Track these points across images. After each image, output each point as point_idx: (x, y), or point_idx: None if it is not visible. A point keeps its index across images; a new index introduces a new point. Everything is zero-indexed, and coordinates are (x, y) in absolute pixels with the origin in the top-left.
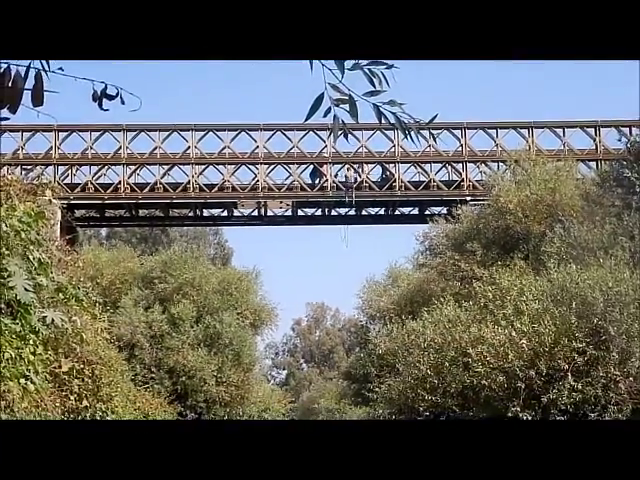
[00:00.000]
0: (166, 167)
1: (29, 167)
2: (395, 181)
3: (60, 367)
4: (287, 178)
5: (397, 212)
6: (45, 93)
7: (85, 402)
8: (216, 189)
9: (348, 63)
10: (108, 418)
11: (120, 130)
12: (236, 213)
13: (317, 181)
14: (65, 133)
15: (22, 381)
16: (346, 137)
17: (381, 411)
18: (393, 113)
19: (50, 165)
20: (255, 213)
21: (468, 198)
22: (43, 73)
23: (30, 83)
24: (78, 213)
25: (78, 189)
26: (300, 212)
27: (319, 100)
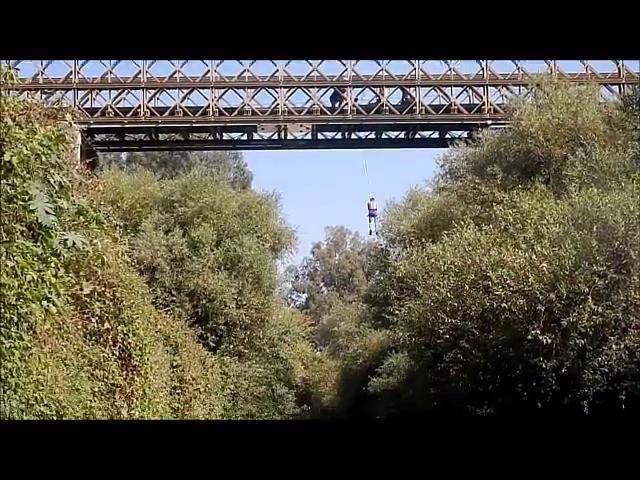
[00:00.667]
0: (186, 91)
1: (49, 91)
2: (415, 104)
3: (81, 290)
4: (307, 101)
5: (417, 136)
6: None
7: (107, 324)
8: (236, 113)
9: None
10: (130, 341)
11: None
12: (256, 137)
13: (337, 104)
14: None
15: (44, 303)
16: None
17: (401, 334)
18: None
19: (70, 90)
20: (275, 137)
21: (489, 122)
22: None
23: None
24: (98, 137)
25: (98, 113)
26: (320, 135)
27: None
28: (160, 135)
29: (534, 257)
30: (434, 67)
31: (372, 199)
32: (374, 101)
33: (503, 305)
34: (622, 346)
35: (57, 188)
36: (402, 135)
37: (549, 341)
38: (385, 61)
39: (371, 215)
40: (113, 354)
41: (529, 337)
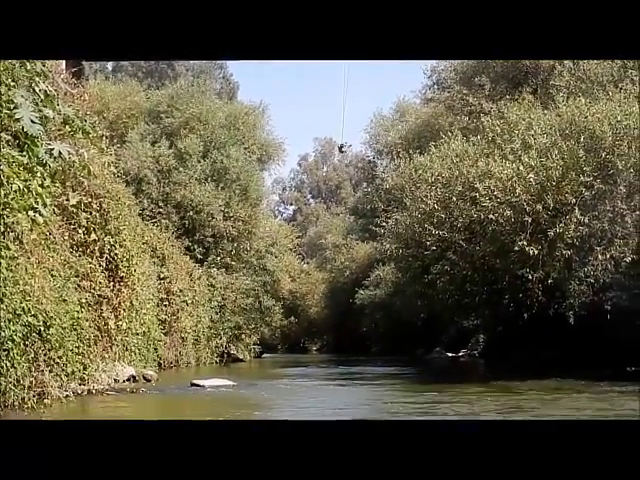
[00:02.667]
0: None
1: None
2: None
3: (68, 200)
4: None
5: None
6: None
7: (93, 235)
8: None
9: None
10: (116, 252)
11: None
12: None
13: None
14: None
15: (30, 213)
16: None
17: (388, 246)
18: None
19: None
20: None
21: None
22: None
23: None
24: None
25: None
26: None
27: None
28: None
29: (521, 168)
30: None
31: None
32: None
33: (490, 216)
34: (608, 256)
35: (42, 97)
36: None
37: (536, 252)
38: None
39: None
40: (100, 265)
41: (516, 248)
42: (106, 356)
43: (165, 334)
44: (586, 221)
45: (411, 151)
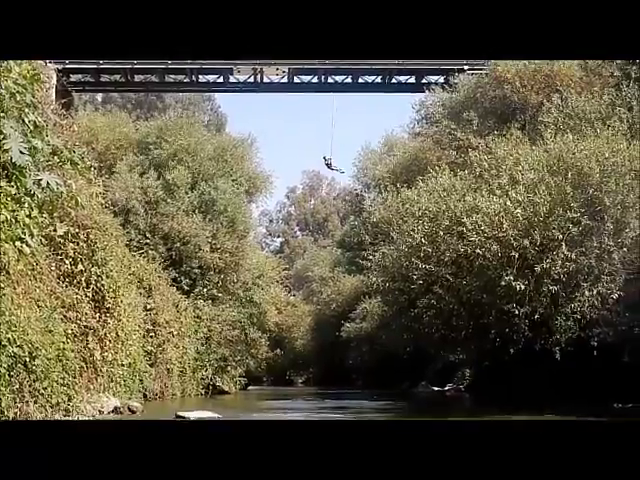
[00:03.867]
0: None
1: None
2: None
3: (55, 231)
4: None
5: (394, 80)
6: None
7: (80, 266)
8: None
9: None
10: (103, 283)
11: None
12: (232, 79)
13: None
14: None
15: (17, 244)
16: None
17: (375, 279)
18: None
19: None
20: (251, 79)
21: (466, 67)
22: None
23: None
24: (73, 77)
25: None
26: (296, 79)
27: None
28: (136, 76)
29: (509, 203)
30: None
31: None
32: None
33: (477, 251)
34: (594, 292)
35: (32, 128)
36: (378, 80)
37: (522, 287)
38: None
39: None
40: (86, 296)
41: (502, 283)
42: (91, 387)
43: (151, 365)
44: (573, 257)
45: (399, 185)
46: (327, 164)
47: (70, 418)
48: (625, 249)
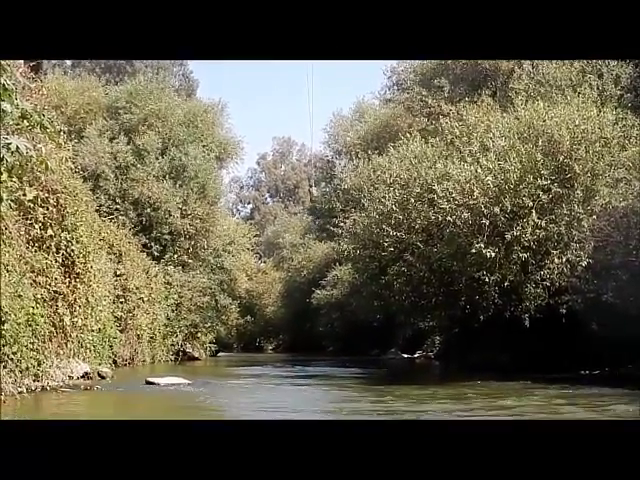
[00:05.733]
0: None
1: None
2: None
3: (25, 195)
4: None
5: None
6: None
7: (50, 231)
8: None
9: None
10: (73, 248)
11: None
12: None
13: None
14: None
15: None
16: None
17: (345, 246)
18: None
19: None
20: None
21: None
22: None
23: None
24: None
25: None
26: None
27: None
28: None
29: (479, 171)
30: None
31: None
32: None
33: (448, 218)
34: (564, 260)
35: (0, 91)
36: None
37: (492, 255)
38: None
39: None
40: (56, 261)
41: (473, 250)
42: (61, 352)
43: (121, 331)
44: (543, 224)
45: (370, 152)
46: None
47: (40, 383)
48: (594, 217)
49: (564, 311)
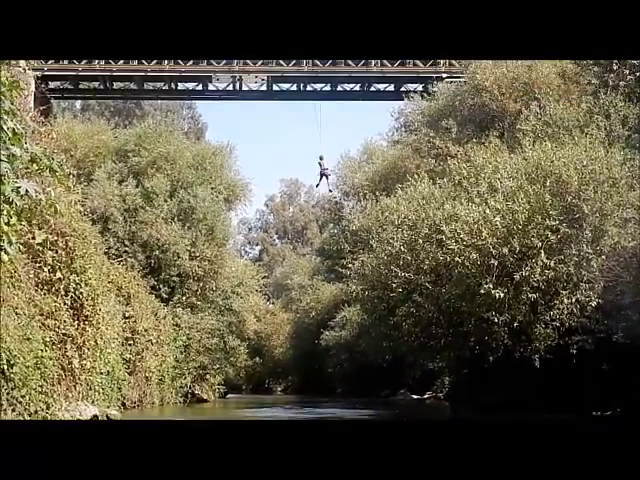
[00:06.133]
0: None
1: None
2: None
3: (34, 238)
4: None
5: (372, 88)
6: None
7: (59, 274)
8: (191, 62)
9: None
10: (82, 290)
11: None
12: (211, 87)
13: None
14: None
15: None
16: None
17: (354, 287)
18: None
19: None
20: (230, 87)
21: (444, 75)
22: None
23: None
24: (52, 84)
25: (52, 60)
26: (275, 87)
27: None
28: (115, 83)
29: (487, 211)
30: None
31: (321, 157)
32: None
33: (456, 259)
34: (574, 300)
35: (10, 135)
36: (357, 88)
37: (502, 295)
38: None
39: (322, 174)
40: (65, 304)
41: (482, 291)
42: (69, 395)
43: (129, 373)
44: (552, 265)
45: (378, 193)
46: (321, 171)
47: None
48: (603, 256)
49: (574, 351)
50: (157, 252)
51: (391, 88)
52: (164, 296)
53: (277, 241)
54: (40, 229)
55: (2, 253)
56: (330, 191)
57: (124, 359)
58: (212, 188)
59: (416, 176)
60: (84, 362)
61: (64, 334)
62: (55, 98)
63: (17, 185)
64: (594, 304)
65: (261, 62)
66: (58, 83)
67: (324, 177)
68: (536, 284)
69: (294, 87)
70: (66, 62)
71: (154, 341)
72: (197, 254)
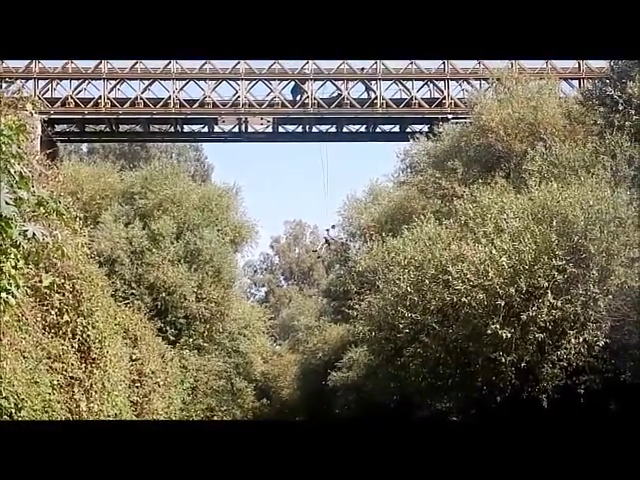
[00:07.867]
0: (147, 82)
1: (9, 81)
2: (377, 98)
3: (41, 281)
4: (268, 94)
5: (378, 129)
6: None
7: (66, 317)
8: (197, 105)
9: None
10: (89, 333)
11: None
12: (216, 129)
13: (298, 97)
14: None
15: (3, 295)
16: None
17: (361, 328)
18: None
19: (30, 79)
20: (236, 129)
21: (450, 116)
22: None
23: None
24: (58, 128)
25: (58, 104)
26: (281, 129)
27: None
28: (121, 126)
29: (494, 251)
30: (395, 61)
31: (333, 226)
32: (335, 94)
33: (463, 299)
34: (581, 340)
35: (17, 178)
36: (363, 129)
37: (508, 335)
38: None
39: (327, 242)
40: (72, 347)
41: (489, 331)
42: None
43: (137, 416)
44: (559, 305)
45: (384, 234)
46: (326, 238)
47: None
48: (610, 296)
49: (582, 391)
50: (164, 294)
51: (396, 129)
52: (171, 338)
53: (283, 282)
54: (47, 272)
55: (9, 297)
56: (314, 251)
57: (131, 402)
58: (218, 230)
59: (422, 217)
60: (91, 405)
61: (71, 377)
62: (61, 141)
63: (24, 229)
64: (601, 344)
65: (266, 104)
66: (64, 126)
67: (327, 244)
68: (543, 324)
69: (299, 129)
70: (72, 105)
71: (161, 383)
72: (204, 296)
